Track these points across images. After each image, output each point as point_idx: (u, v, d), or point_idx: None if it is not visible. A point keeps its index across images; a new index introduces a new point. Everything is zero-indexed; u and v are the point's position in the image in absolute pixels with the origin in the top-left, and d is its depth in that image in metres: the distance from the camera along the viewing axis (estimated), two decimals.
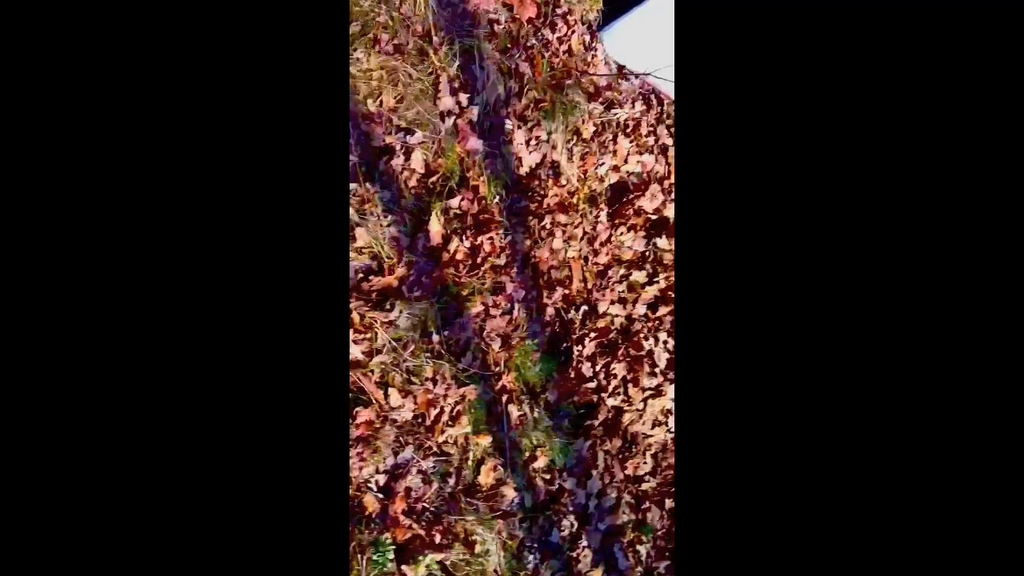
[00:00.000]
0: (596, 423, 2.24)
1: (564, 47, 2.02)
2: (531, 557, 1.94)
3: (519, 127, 1.99)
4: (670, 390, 2.35)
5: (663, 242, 2.37)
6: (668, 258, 2.39)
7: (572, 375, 2.24)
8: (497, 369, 2.06)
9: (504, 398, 2.06)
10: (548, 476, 2.09)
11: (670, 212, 2.40)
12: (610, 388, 2.28)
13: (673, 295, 2.40)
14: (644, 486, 2.27)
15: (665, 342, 2.37)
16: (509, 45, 1.93)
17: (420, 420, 1.93)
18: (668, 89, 2.34)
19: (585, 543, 2.05)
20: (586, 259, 2.30)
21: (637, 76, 2.30)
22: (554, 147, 2.07)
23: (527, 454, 2.05)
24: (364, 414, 1.87)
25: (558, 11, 1.98)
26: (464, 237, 2.05)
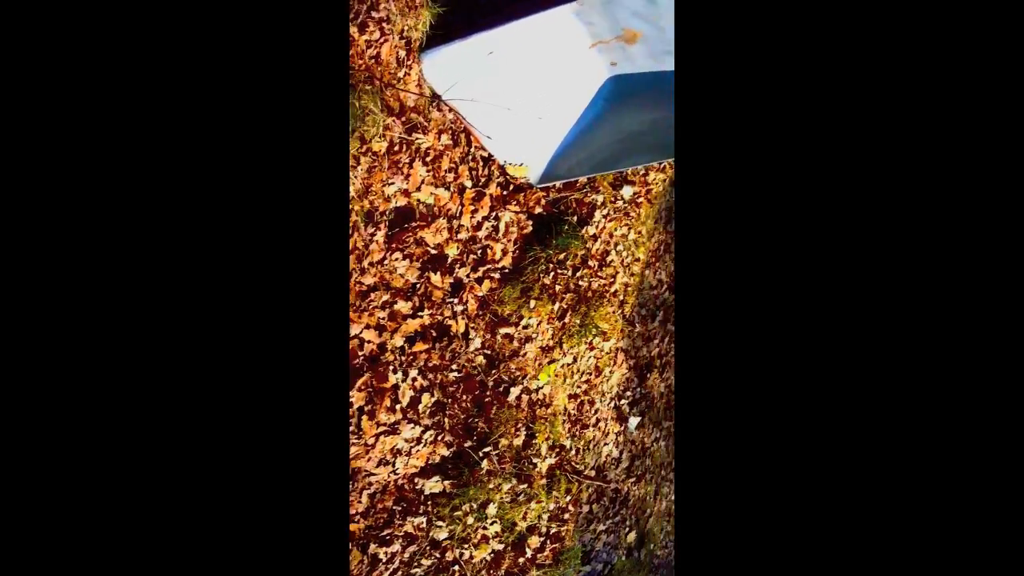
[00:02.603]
0: None
1: (372, 51, 1.85)
2: None
3: None
4: (406, 429, 2.18)
5: (437, 278, 2.23)
6: (438, 295, 2.25)
7: None
8: None
9: None
10: None
11: (452, 251, 2.28)
12: None
13: (435, 334, 2.26)
14: (352, 527, 2.06)
15: (414, 379, 2.20)
16: None
17: None
18: (478, 131, 2.25)
19: None
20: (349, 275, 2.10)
21: (451, 109, 2.18)
22: None
23: None
24: None
25: (374, 14, 1.81)
26: None
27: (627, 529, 3.14)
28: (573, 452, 2.79)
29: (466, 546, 2.31)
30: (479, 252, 2.39)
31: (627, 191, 2.86)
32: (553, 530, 2.66)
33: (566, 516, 2.72)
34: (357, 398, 2.07)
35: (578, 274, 2.72)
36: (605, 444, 3.00)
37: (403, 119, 2.01)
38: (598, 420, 2.94)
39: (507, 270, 2.48)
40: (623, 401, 3.06)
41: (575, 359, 2.76)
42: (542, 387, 2.61)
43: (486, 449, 2.39)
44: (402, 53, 1.93)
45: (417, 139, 2.08)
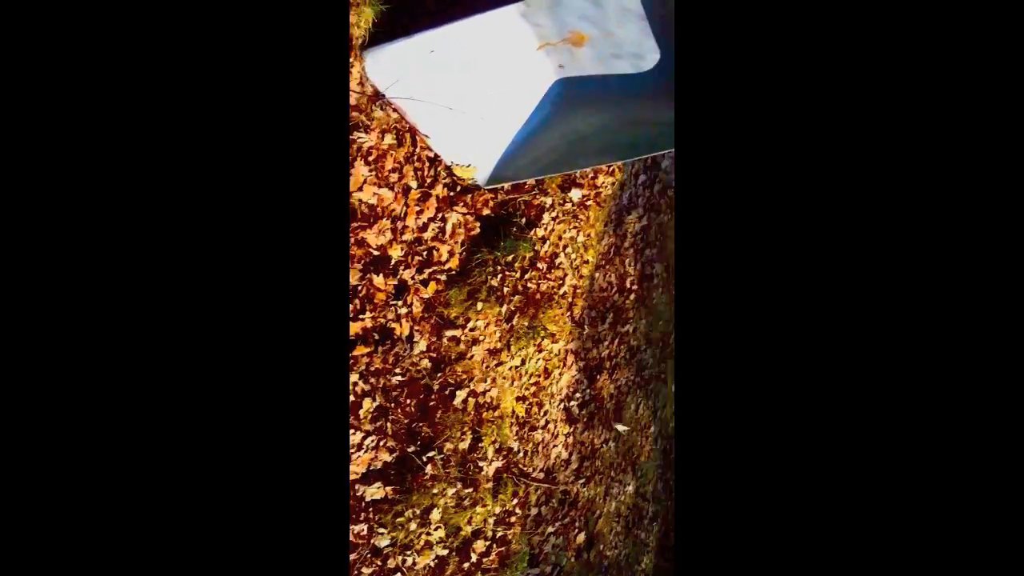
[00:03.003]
0: None
1: None
2: None
3: None
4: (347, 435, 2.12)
5: (379, 279, 2.18)
6: (380, 297, 2.20)
7: None
8: None
9: None
10: None
11: (396, 253, 2.23)
12: None
13: (377, 337, 2.20)
14: None
15: (355, 384, 2.15)
16: None
17: None
18: (424, 131, 2.20)
19: None
20: None
21: (395, 109, 2.13)
22: None
23: None
24: None
25: None
26: None
27: (576, 531, 3.13)
28: (521, 455, 2.77)
29: (409, 552, 2.26)
30: (424, 254, 2.34)
31: (575, 194, 2.85)
32: (500, 534, 2.63)
33: (513, 519, 2.69)
34: None
35: (526, 276, 2.70)
36: (554, 446, 2.98)
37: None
38: (547, 422, 2.92)
39: (454, 272, 2.44)
40: (572, 403, 3.05)
41: (523, 361, 2.74)
42: (489, 390, 2.58)
43: (430, 454, 2.34)
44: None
45: (359, 138, 2.02)
